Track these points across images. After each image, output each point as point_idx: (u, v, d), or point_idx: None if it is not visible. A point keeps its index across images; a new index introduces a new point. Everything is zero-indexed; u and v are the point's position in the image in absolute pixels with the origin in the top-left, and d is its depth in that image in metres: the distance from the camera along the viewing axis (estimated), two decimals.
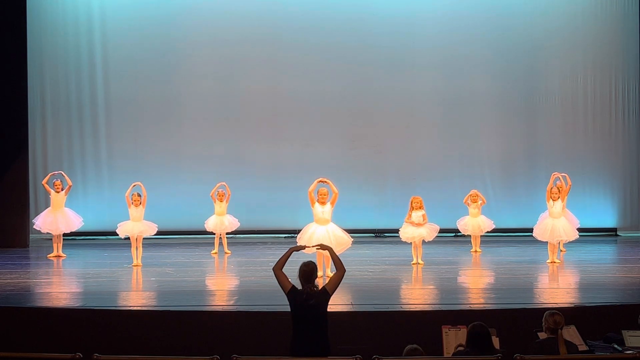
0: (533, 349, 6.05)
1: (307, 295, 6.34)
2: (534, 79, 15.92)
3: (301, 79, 15.76)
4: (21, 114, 14.39)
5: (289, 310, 6.44)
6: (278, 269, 6.48)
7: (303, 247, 6.81)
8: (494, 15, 15.82)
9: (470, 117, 15.89)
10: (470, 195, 13.09)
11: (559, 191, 11.71)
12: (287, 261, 6.52)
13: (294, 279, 6.47)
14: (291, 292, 6.41)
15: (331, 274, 10.30)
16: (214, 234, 13.27)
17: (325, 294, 6.40)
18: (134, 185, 12.12)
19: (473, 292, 9.95)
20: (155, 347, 7.73)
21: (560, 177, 12.07)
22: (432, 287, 10.20)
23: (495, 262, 12.43)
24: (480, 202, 13.02)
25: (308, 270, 6.43)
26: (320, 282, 6.62)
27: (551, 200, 11.65)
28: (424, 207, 11.65)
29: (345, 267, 6.48)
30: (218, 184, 13.30)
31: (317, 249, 6.94)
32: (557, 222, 11.58)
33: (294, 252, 6.60)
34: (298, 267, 6.50)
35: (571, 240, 11.96)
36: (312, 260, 6.83)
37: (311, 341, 6.25)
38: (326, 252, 10.22)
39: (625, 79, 15.90)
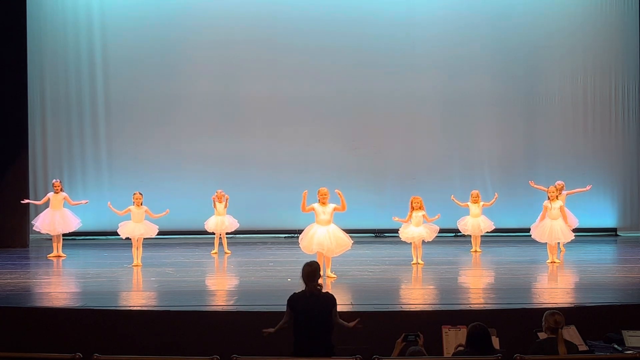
0: (533, 349, 6.05)
1: (310, 295, 6.34)
2: (533, 79, 15.93)
3: (301, 80, 15.76)
4: (21, 114, 14.39)
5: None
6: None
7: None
8: (494, 16, 15.82)
9: (470, 117, 15.89)
10: (472, 195, 13.10)
11: (556, 190, 11.77)
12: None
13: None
14: (291, 300, 6.40)
15: (332, 274, 10.36)
16: (214, 234, 13.27)
17: (332, 302, 6.39)
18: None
19: (473, 292, 9.95)
20: (155, 347, 7.73)
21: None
22: (432, 287, 10.20)
23: (495, 262, 12.43)
24: (482, 203, 13.04)
25: (311, 270, 6.43)
26: (320, 283, 6.61)
27: (549, 202, 11.65)
28: (424, 208, 11.65)
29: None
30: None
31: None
32: (554, 224, 11.59)
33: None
34: (300, 268, 6.50)
35: (568, 241, 11.99)
36: (314, 260, 6.84)
37: (314, 343, 6.23)
38: (328, 254, 10.25)
39: (625, 80, 15.91)
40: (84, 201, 13.23)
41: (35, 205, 14.18)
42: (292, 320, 6.39)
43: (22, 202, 13.57)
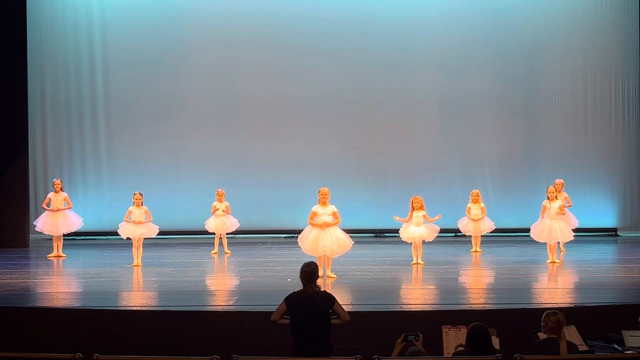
0: (533, 349, 6.05)
1: (309, 296, 6.34)
2: (534, 79, 15.93)
3: (301, 80, 15.76)
4: (21, 114, 14.39)
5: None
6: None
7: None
8: (494, 16, 15.81)
9: (470, 117, 15.89)
10: (472, 194, 13.08)
11: (555, 190, 11.79)
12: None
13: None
14: (289, 299, 6.40)
15: (332, 274, 10.36)
16: (214, 234, 13.26)
17: (331, 300, 6.38)
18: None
19: (473, 292, 9.95)
20: (155, 347, 7.73)
21: (563, 200, 12.25)
22: (432, 287, 10.20)
23: (495, 262, 12.43)
24: (482, 204, 13.02)
25: (310, 271, 6.43)
26: (320, 283, 6.61)
27: (549, 202, 11.66)
28: (424, 208, 11.64)
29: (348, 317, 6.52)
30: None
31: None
32: (554, 223, 11.59)
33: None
34: (299, 268, 6.50)
35: (567, 241, 11.99)
36: (313, 261, 6.83)
37: (313, 343, 6.23)
38: (328, 255, 10.27)
39: (625, 80, 15.90)
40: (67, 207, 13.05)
41: (36, 204, 14.18)
42: (290, 319, 6.38)
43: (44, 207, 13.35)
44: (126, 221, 11.85)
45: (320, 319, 6.31)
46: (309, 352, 6.14)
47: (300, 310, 6.31)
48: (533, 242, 12.15)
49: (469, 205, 13.08)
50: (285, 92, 15.76)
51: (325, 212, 10.39)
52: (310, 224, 10.43)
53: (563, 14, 15.84)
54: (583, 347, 6.66)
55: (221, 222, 13.09)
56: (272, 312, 6.57)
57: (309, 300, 6.32)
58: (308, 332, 6.26)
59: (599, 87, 15.90)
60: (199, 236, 14.81)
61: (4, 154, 14.23)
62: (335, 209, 10.46)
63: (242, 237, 14.98)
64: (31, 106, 14.95)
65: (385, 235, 15.38)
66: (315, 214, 10.43)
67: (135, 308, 8.76)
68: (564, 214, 11.71)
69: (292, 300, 6.40)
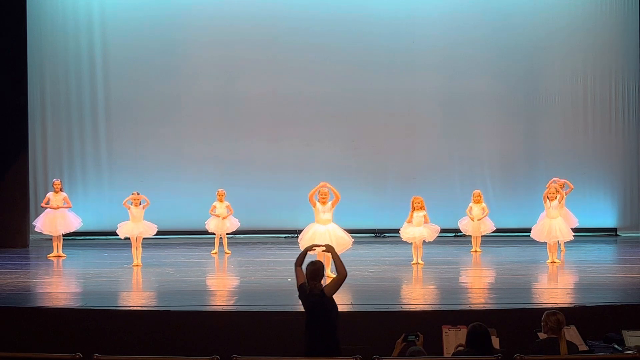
0: (533, 349, 6.05)
1: (310, 292, 6.40)
2: (534, 79, 15.92)
3: (301, 80, 15.76)
4: (21, 114, 14.39)
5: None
6: (298, 265, 6.62)
7: (312, 248, 6.96)
8: (495, 16, 15.80)
9: (470, 117, 15.89)
10: (473, 195, 13.06)
11: (557, 190, 11.75)
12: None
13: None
14: (300, 287, 6.49)
15: (332, 274, 10.34)
16: (214, 234, 13.26)
17: (323, 295, 6.42)
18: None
19: (473, 292, 9.95)
20: (155, 347, 7.73)
21: (561, 184, 12.14)
22: (432, 287, 10.20)
23: (495, 262, 12.43)
24: (484, 205, 12.99)
25: (315, 269, 6.49)
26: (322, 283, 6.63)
27: (548, 201, 11.65)
28: (425, 208, 11.64)
29: (346, 271, 6.48)
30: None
31: (322, 250, 7.02)
32: (553, 223, 11.58)
33: (308, 252, 6.72)
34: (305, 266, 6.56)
35: (567, 240, 11.98)
36: (317, 259, 6.87)
37: (319, 338, 6.30)
38: (329, 254, 10.31)
39: (625, 80, 15.89)
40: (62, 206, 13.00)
41: (36, 204, 14.16)
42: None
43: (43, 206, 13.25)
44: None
45: (323, 315, 6.36)
46: (316, 351, 6.19)
47: (306, 303, 6.41)
48: (533, 242, 12.15)
49: (470, 205, 13.07)
50: (285, 92, 15.76)
51: (324, 210, 10.44)
52: (311, 194, 10.54)
53: (563, 14, 15.84)
54: (583, 347, 6.67)
55: (221, 223, 13.09)
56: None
57: (311, 297, 6.37)
58: (314, 325, 6.34)
59: (599, 87, 15.90)
60: (199, 236, 14.82)
61: (4, 154, 14.23)
62: (332, 201, 10.55)
63: (242, 237, 14.99)
64: (31, 106, 14.95)
65: (385, 235, 15.38)
66: (314, 203, 10.52)
67: (135, 308, 8.76)
68: (562, 207, 11.69)
69: (302, 290, 6.49)
